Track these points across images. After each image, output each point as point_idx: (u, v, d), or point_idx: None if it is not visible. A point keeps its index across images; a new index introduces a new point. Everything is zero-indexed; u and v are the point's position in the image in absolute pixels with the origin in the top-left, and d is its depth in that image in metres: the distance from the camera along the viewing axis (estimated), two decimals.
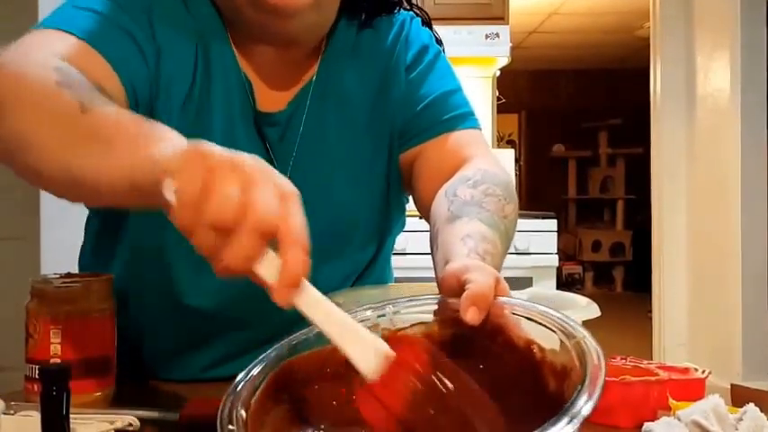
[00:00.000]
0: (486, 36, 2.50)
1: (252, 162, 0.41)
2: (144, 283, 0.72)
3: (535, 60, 6.15)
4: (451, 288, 0.49)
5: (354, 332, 0.42)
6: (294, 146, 0.72)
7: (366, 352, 0.41)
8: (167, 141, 0.43)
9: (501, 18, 2.54)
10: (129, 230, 0.72)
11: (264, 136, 0.72)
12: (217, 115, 0.69)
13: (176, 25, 0.68)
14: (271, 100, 0.73)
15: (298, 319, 0.44)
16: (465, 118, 0.75)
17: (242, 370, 0.46)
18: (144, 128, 0.46)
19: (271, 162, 0.71)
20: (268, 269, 0.39)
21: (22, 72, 0.52)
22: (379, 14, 0.76)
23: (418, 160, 0.74)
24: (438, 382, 0.41)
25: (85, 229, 0.80)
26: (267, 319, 0.64)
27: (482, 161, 0.71)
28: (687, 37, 2.93)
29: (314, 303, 0.41)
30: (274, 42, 0.70)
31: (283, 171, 0.73)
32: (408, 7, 0.79)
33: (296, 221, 0.40)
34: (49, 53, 0.55)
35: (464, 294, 0.46)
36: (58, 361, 0.59)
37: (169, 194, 0.39)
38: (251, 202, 0.38)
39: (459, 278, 0.49)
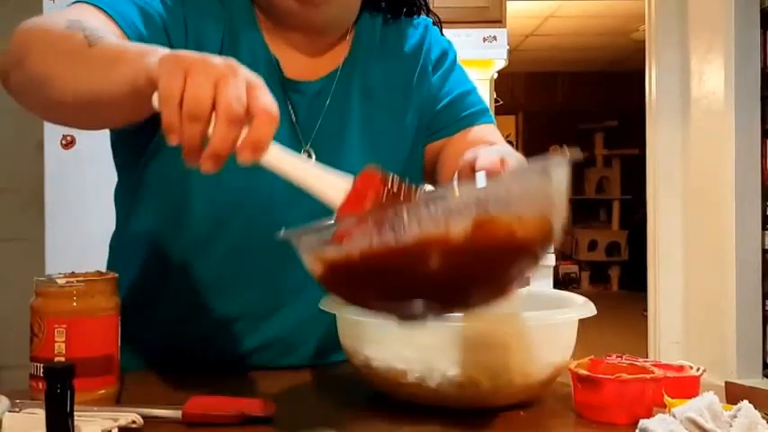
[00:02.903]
0: (484, 39, 2.51)
1: (222, 60, 0.47)
2: (169, 243, 0.75)
3: (532, 63, 6.17)
4: (468, 176, 0.57)
5: (318, 175, 0.49)
6: (316, 124, 0.76)
7: (331, 188, 0.49)
8: (159, 53, 0.49)
9: (498, 21, 2.55)
10: (151, 188, 0.74)
11: (291, 102, 0.75)
12: None
13: (206, 11, 0.72)
14: (299, 76, 0.76)
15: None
16: (482, 114, 0.83)
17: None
18: (142, 48, 0.53)
19: (294, 132, 0.75)
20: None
21: (40, 23, 0.60)
22: (399, 13, 0.82)
23: (442, 153, 0.81)
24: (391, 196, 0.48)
25: (117, 206, 0.82)
26: (280, 279, 0.72)
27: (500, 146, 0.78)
28: (682, 39, 2.95)
29: (279, 159, 0.48)
30: (303, 29, 0.75)
31: (305, 144, 0.76)
32: (426, 12, 0.86)
33: (263, 100, 0.46)
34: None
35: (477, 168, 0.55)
36: (63, 359, 0.59)
37: (155, 99, 0.46)
38: (220, 92, 0.45)
39: (472, 164, 0.56)
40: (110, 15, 0.64)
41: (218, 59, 0.47)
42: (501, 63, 2.68)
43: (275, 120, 0.46)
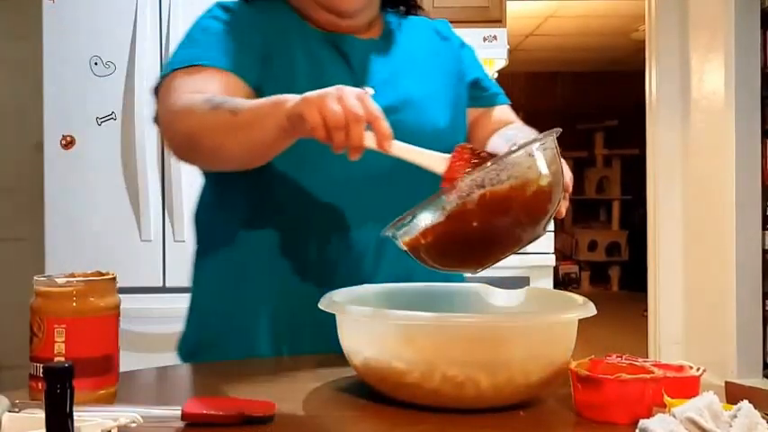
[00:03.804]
0: (484, 38, 2.51)
1: (334, 89, 0.67)
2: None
3: (532, 63, 6.17)
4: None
5: (427, 154, 0.70)
6: (369, 70, 0.91)
7: (437, 161, 0.70)
8: (288, 101, 0.71)
9: (498, 21, 2.55)
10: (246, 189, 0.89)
11: (345, 53, 0.91)
12: (298, 53, 0.89)
13: (256, 27, 0.90)
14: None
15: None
16: (501, 94, 1.05)
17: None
18: (268, 102, 0.75)
19: (351, 76, 0.89)
20: (371, 141, 0.68)
21: (189, 116, 0.80)
22: (410, 8, 1.02)
23: (476, 122, 1.01)
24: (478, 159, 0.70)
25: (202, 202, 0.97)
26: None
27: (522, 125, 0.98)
28: (682, 39, 2.95)
29: (398, 147, 0.69)
30: (336, 31, 0.92)
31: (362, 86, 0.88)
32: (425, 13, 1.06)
33: (373, 108, 0.67)
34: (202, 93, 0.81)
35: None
36: (63, 359, 0.59)
37: (308, 128, 0.67)
38: (347, 109, 0.65)
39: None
40: (226, 70, 0.84)
41: (330, 89, 0.67)
42: (501, 63, 2.68)
43: (383, 116, 0.67)
